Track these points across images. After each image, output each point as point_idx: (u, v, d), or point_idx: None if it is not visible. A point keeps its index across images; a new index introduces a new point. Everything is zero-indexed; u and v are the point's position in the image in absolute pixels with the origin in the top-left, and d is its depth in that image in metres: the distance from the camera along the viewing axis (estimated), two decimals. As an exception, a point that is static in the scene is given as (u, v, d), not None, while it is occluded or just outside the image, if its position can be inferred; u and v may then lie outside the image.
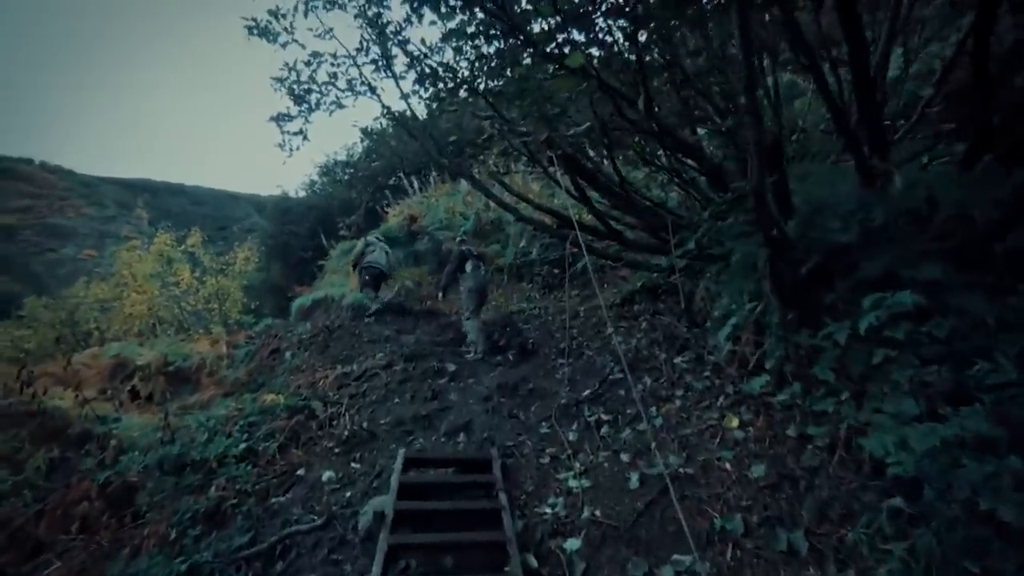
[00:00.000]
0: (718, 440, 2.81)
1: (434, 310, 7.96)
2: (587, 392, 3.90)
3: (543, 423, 3.74)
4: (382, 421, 4.47)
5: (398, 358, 5.83)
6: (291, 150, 5.89)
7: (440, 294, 6.83)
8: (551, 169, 4.25)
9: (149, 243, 12.09)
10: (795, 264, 2.68)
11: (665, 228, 4.21)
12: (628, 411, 3.49)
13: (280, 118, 5.47)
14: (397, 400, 4.88)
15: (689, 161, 4.93)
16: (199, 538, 3.15)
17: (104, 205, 60.76)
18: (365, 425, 4.41)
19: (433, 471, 3.30)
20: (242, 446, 4.21)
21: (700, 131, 5.03)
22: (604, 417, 3.52)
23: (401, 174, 11.77)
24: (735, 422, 2.84)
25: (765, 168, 2.41)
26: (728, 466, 2.58)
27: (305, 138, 5.85)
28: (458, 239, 6.86)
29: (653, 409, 3.39)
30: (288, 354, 6.67)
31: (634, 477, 2.76)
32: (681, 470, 2.68)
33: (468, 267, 6.17)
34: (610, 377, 4.02)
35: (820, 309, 2.67)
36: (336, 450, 4.08)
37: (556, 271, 7.48)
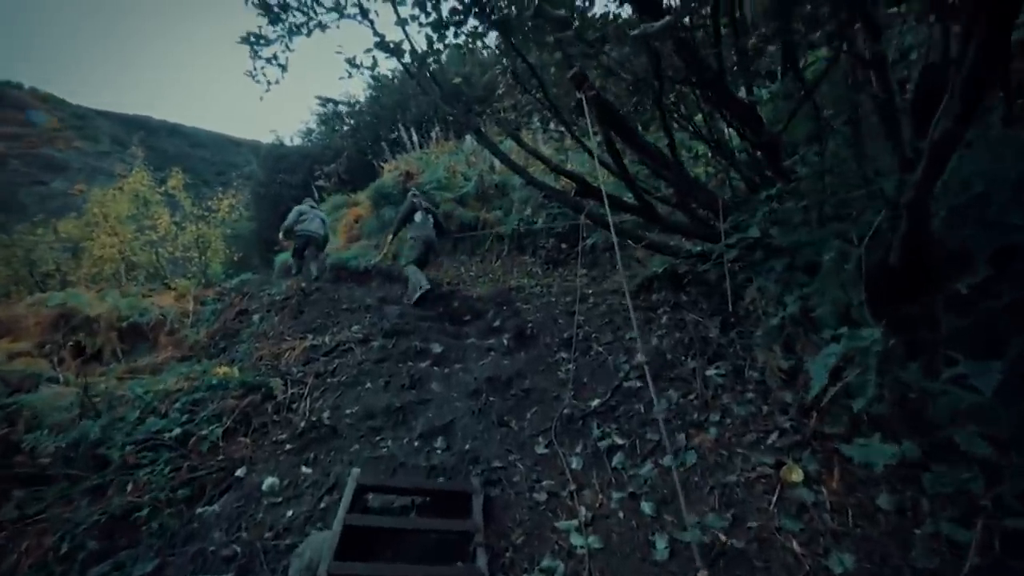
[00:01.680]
0: (775, 498, 2.08)
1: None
2: (596, 402, 3.17)
3: (540, 438, 3.02)
4: (348, 411, 3.76)
5: (377, 332, 5.10)
6: (268, 83, 4.99)
7: (388, 240, 6.75)
8: (579, 123, 3.42)
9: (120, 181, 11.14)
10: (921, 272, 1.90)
11: (708, 207, 3.41)
12: (649, 436, 2.76)
13: (252, 40, 4.54)
14: (369, 385, 4.16)
15: (727, 131, 4.11)
16: (89, 559, 2.46)
17: (98, 140, 59.00)
18: (327, 416, 3.70)
19: (395, 500, 2.57)
20: (177, 430, 3.50)
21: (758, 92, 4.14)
22: (618, 440, 2.80)
23: (401, 126, 10.79)
24: (797, 475, 2.11)
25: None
26: (796, 545, 1.85)
27: (283, 69, 4.94)
28: (411, 192, 6.60)
29: (681, 437, 2.67)
30: (257, 317, 5.93)
31: (660, 542, 2.05)
32: (725, 539, 1.97)
33: (417, 217, 6.09)
34: (624, 384, 3.29)
35: (937, 335, 1.90)
36: (287, 446, 3.37)
37: (564, 245, 6.67)
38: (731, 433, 2.60)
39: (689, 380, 3.15)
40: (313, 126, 15.42)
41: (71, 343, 5.78)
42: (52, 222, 10.87)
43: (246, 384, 4.24)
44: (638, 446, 2.74)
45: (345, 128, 15.75)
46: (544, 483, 2.59)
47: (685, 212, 3.50)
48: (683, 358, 3.41)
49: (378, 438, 3.36)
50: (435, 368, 4.48)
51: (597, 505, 2.38)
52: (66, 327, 5.91)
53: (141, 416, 3.78)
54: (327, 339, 5.05)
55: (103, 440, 3.45)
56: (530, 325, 4.97)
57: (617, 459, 2.67)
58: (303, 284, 6.30)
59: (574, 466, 2.70)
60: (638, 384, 3.25)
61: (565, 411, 3.16)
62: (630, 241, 5.18)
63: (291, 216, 7.43)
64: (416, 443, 3.26)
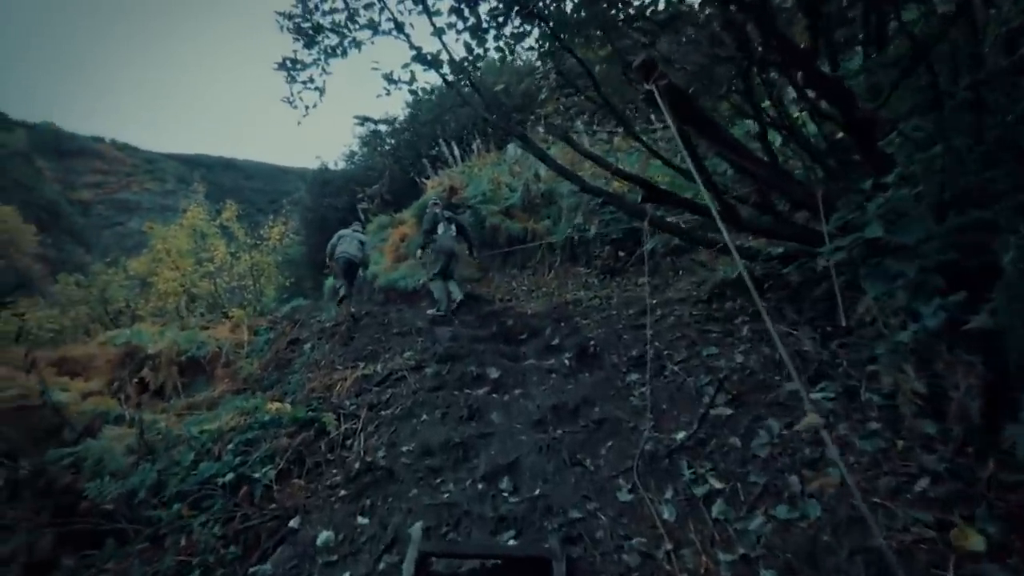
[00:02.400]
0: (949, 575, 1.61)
1: (476, 294, 6.94)
2: (681, 434, 2.74)
3: (621, 480, 2.63)
4: (404, 448, 3.49)
5: (429, 357, 4.86)
6: (306, 107, 4.90)
7: (419, 256, 6.80)
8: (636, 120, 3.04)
9: (181, 216, 11.61)
10: None
11: (802, 204, 2.94)
12: (752, 478, 2.32)
13: (288, 66, 4.45)
14: (425, 417, 3.89)
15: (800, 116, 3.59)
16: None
17: (165, 180, 63.39)
18: (382, 455, 3.45)
19: (462, 564, 2.24)
20: (230, 476, 3.33)
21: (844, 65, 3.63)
22: (715, 484, 2.37)
23: (442, 141, 10.69)
24: (976, 541, 1.63)
25: None
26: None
27: (320, 92, 4.84)
28: (432, 201, 6.57)
29: (794, 479, 2.22)
30: (308, 346, 5.83)
31: (798, 631, 1.62)
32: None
33: (439, 229, 6.10)
34: (711, 412, 2.85)
35: None
36: (342, 491, 3.13)
37: (620, 253, 6.24)
38: (859, 476, 2.12)
39: (790, 405, 2.68)
40: (356, 148, 15.72)
41: (136, 380, 5.87)
42: (122, 260, 11.45)
43: (299, 420, 4.08)
44: (740, 491, 2.30)
45: (386, 148, 15.94)
46: (634, 540, 2.20)
47: (766, 211, 3.03)
48: (776, 378, 2.94)
49: (438, 480, 3.06)
50: (494, 395, 4.18)
51: (702, 571, 1.97)
52: (131, 364, 6.03)
53: (196, 458, 3.67)
54: (379, 367, 4.86)
55: (160, 486, 3.33)
56: (592, 342, 4.58)
57: (718, 508, 2.25)
58: (352, 309, 6.18)
59: (666, 516, 2.30)
60: (727, 411, 2.80)
61: (647, 446, 2.76)
62: (696, 243, 4.72)
63: (332, 241, 7.50)
64: (480, 486, 2.94)
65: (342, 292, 7.09)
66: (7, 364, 5.97)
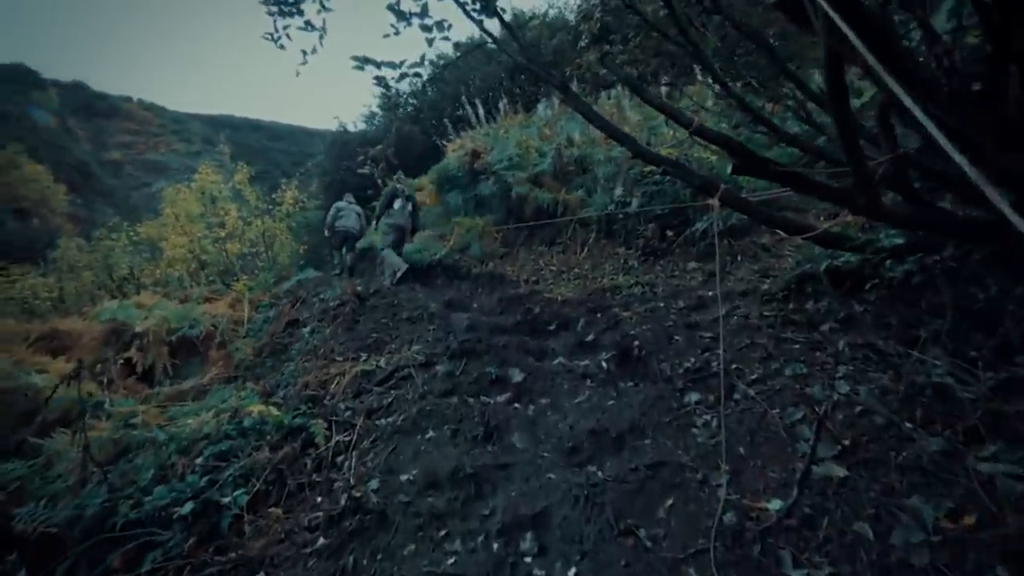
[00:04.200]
0: None
1: (498, 274, 6.16)
2: (776, 504, 1.96)
3: (692, 570, 1.87)
4: (403, 477, 2.81)
5: (442, 352, 4.14)
6: (304, 53, 4.04)
7: (373, 228, 6.93)
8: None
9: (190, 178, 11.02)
10: None
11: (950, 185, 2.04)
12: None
13: (272, -5, 3.61)
14: (432, 433, 3.20)
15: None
16: None
17: (191, 141, 63.53)
18: (376, 486, 2.77)
19: None
20: (188, 506, 2.70)
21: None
22: (845, 598, 1.60)
23: (465, 100, 9.75)
24: None
25: None
26: None
27: (321, 34, 3.98)
28: (396, 177, 6.80)
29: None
30: (307, 329, 5.18)
31: None
32: None
33: (396, 204, 6.39)
34: (814, 469, 2.04)
35: None
36: (321, 539, 2.47)
37: (668, 233, 5.35)
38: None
39: (942, 473, 1.86)
40: (376, 109, 14.85)
41: (121, 360, 5.34)
42: (124, 225, 10.98)
43: (283, 427, 3.44)
44: (888, 615, 1.52)
45: (408, 109, 15.03)
46: None
47: (902, 191, 2.13)
48: (907, 424, 2.10)
49: (442, 533, 2.36)
50: (515, 406, 3.44)
51: None
52: (117, 343, 5.49)
53: (157, 473, 3.06)
54: (382, 362, 4.17)
55: (105, 514, 2.73)
56: (636, 342, 3.78)
57: (853, 646, 1.48)
58: (359, 288, 5.49)
59: (769, 648, 1.55)
60: (839, 471, 1.99)
61: (725, 515, 1.99)
62: (779, 231, 3.83)
63: (330, 213, 7.38)
64: (495, 545, 2.23)
65: (340, 265, 7.04)
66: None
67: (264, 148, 59.08)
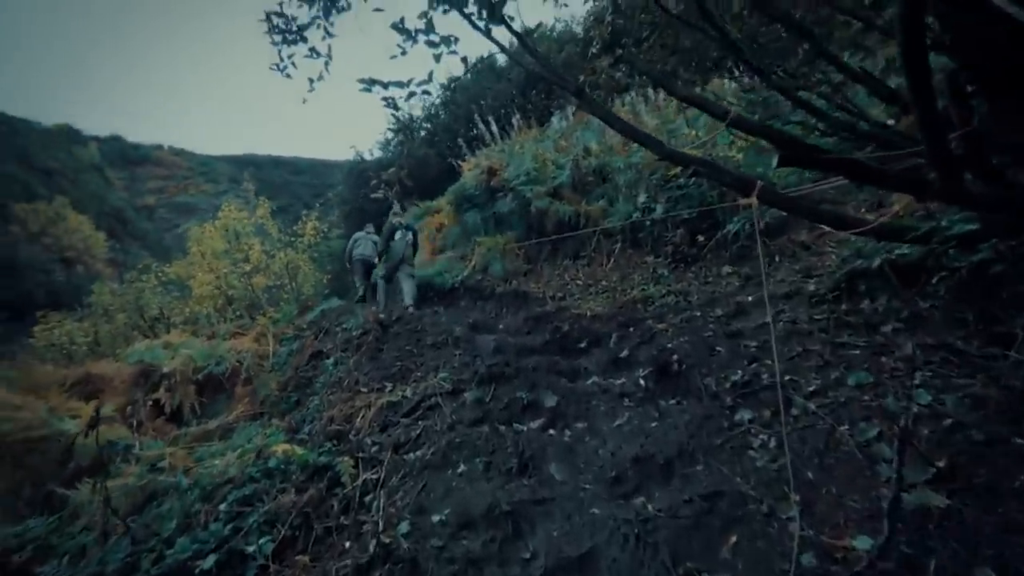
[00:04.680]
0: None
1: (523, 291, 5.98)
2: (864, 542, 1.68)
3: (770, 623, 1.61)
4: (435, 518, 2.60)
5: (469, 378, 3.95)
6: (311, 81, 3.99)
7: (377, 260, 7.12)
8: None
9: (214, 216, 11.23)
10: None
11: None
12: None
13: (274, 21, 3.57)
14: (463, 467, 2.99)
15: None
16: None
17: (218, 181, 65.81)
18: (406, 529, 2.57)
19: None
20: (211, 559, 2.55)
21: None
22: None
23: (478, 118, 9.72)
24: None
25: None
26: None
27: (327, 61, 3.92)
28: (393, 211, 6.98)
29: None
30: (331, 361, 5.06)
31: None
32: None
33: (396, 236, 6.50)
34: (903, 496, 1.76)
35: None
36: (349, 592, 2.28)
37: (699, 237, 5.09)
38: None
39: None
40: (390, 135, 15.02)
41: (151, 401, 5.32)
42: (154, 265, 11.22)
43: (308, 465, 3.28)
44: None
45: (421, 133, 15.15)
46: None
47: (978, 170, 1.86)
48: (1019, 439, 1.80)
49: (478, 581, 2.14)
50: (550, 432, 3.22)
51: None
52: (146, 384, 5.48)
53: (181, 523, 2.93)
54: (408, 391, 4.00)
55: (127, 570, 2.60)
56: (674, 357, 3.53)
57: None
58: (381, 315, 5.37)
59: None
60: (939, 499, 1.70)
61: (802, 557, 1.72)
62: (826, 226, 3.55)
63: (349, 243, 7.56)
64: (538, 595, 2.00)
65: (360, 292, 7.17)
66: (25, 387, 5.57)
67: (286, 182, 60.75)
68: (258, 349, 6.12)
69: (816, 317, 3.21)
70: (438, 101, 15.69)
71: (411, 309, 6.06)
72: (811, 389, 2.58)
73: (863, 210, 4.59)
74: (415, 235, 6.75)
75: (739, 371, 3.03)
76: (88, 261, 38.10)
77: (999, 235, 2.44)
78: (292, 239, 11.26)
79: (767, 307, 3.02)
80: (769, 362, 3.02)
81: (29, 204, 35.62)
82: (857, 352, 2.70)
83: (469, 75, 15.86)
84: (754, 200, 2.37)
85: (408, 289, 6.39)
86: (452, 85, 16.04)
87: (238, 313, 10.34)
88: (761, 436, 2.42)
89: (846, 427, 2.21)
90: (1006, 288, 2.44)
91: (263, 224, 11.37)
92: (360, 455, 3.37)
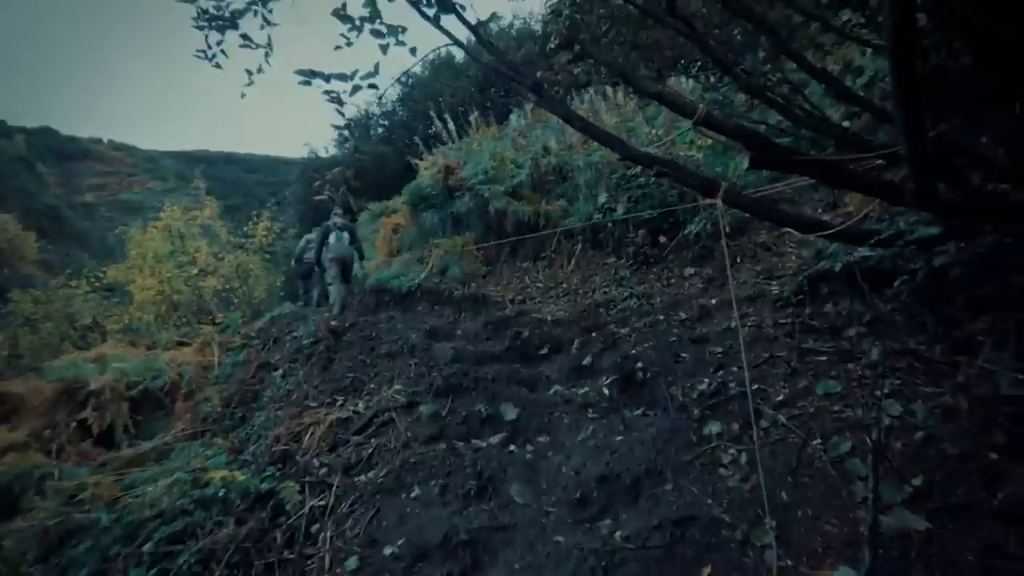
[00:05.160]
0: None
1: (482, 295, 5.77)
2: (846, 573, 1.58)
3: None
4: (388, 551, 2.39)
5: (425, 390, 3.74)
6: (249, 73, 3.64)
7: (313, 266, 7.13)
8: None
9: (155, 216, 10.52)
10: None
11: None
12: None
13: (204, 11, 3.23)
14: (418, 491, 2.79)
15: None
16: None
17: (165, 178, 62.62)
18: (355, 564, 2.34)
19: None
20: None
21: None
22: None
23: (434, 117, 9.43)
24: None
25: None
26: None
27: (267, 50, 3.59)
28: (334, 212, 6.86)
29: None
30: (279, 373, 4.74)
31: None
32: None
33: (332, 238, 6.46)
34: (881, 519, 1.66)
35: None
36: (287, 644, 2.04)
37: (662, 239, 5.02)
38: None
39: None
40: (347, 133, 14.47)
41: (75, 423, 4.83)
42: (84, 270, 10.41)
43: (249, 493, 3.00)
44: None
45: (379, 131, 14.72)
46: None
47: (947, 175, 1.78)
48: (993, 454, 1.74)
49: (433, 627, 1.95)
50: (511, 449, 3.05)
51: None
52: (70, 403, 4.98)
53: (97, 569, 2.60)
54: (361, 406, 3.75)
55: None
56: (639, 364, 3.42)
57: None
58: (333, 323, 5.06)
59: None
60: (919, 521, 1.62)
61: (781, 589, 1.60)
62: (792, 229, 3.49)
63: (299, 245, 7.61)
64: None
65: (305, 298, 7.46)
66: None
67: (240, 180, 58.28)
68: (202, 360, 5.69)
69: (781, 321, 3.15)
70: (395, 97, 15.28)
71: (337, 308, 6.26)
72: (780, 399, 2.50)
73: (820, 210, 4.63)
74: (352, 234, 6.71)
75: (705, 379, 2.94)
76: (15, 262, 35.45)
77: (958, 238, 2.41)
78: (243, 240, 10.68)
79: (735, 312, 2.93)
80: (736, 369, 2.93)
81: (-61, 198, 32.78)
82: (823, 358, 2.64)
83: (426, 71, 15.50)
84: (719, 202, 2.26)
85: (336, 291, 6.45)
86: (409, 81, 15.66)
87: (184, 320, 9.72)
88: (731, 451, 2.31)
89: (818, 441, 2.12)
90: (964, 292, 2.42)
91: (211, 225, 10.73)
92: (307, 479, 3.11)
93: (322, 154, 15.30)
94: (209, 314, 10.15)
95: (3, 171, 47.65)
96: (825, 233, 2.36)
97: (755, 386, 2.67)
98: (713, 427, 2.52)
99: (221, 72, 3.51)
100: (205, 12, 3.28)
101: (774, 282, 3.79)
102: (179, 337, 7.40)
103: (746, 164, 1.65)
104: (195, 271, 10.28)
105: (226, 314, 9.11)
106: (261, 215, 11.31)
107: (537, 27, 14.61)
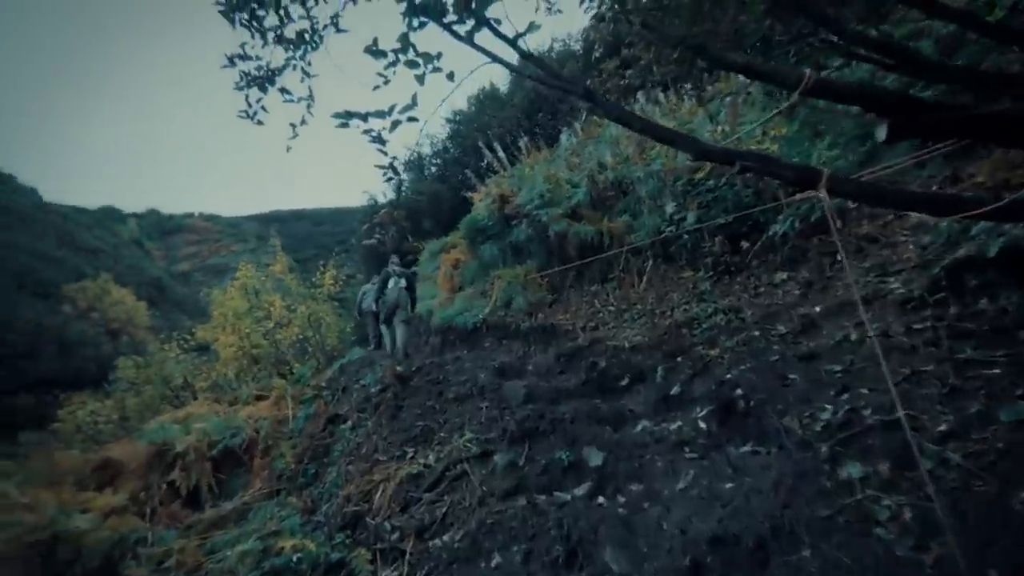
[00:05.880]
0: None
1: (551, 325, 5.42)
2: None
3: None
4: (467, 637, 2.05)
5: (499, 436, 3.42)
6: (293, 127, 3.62)
7: (373, 312, 7.10)
8: None
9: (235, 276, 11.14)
10: None
11: None
12: None
13: (238, 66, 3.24)
14: (498, 558, 2.45)
15: None
16: None
17: (246, 240, 68.10)
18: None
19: None
20: None
21: None
22: None
23: (484, 148, 9.39)
24: None
25: None
26: None
27: (309, 102, 3.56)
28: (392, 260, 6.83)
29: None
30: (348, 424, 4.61)
31: None
32: None
33: (391, 284, 6.43)
34: None
35: None
36: None
37: (744, 244, 4.50)
38: None
39: None
40: (403, 175, 14.86)
41: (165, 484, 4.94)
42: (173, 335, 11.13)
43: (318, 562, 2.79)
44: None
45: (432, 171, 15.00)
46: None
47: None
48: None
49: None
50: (600, 501, 2.65)
51: None
52: (161, 465, 5.12)
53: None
54: (431, 458, 3.48)
55: None
56: (738, 391, 2.93)
57: None
58: (399, 368, 4.90)
59: None
60: None
61: None
62: (918, 213, 2.94)
63: (359, 295, 7.60)
64: None
65: (374, 341, 7.14)
66: (44, 479, 5.29)
67: (310, 234, 62.15)
68: (277, 414, 5.72)
69: (916, 327, 2.58)
70: (445, 136, 15.58)
71: (400, 353, 6.16)
72: (942, 429, 1.96)
73: (934, 188, 3.95)
74: (410, 281, 6.75)
75: (828, 406, 2.42)
76: (132, 331, 39.41)
77: None
78: (312, 290, 11.05)
79: (862, 314, 2.42)
80: (867, 391, 2.40)
81: (77, 283, 37.38)
82: (996, 371, 2.06)
83: (472, 107, 15.75)
84: (823, 193, 1.83)
85: (400, 335, 6.31)
86: (456, 118, 15.96)
87: (264, 373, 10.10)
88: (885, 503, 1.80)
89: (1015, 489, 1.58)
90: None
91: (282, 279, 11.21)
92: (378, 545, 2.86)
93: (380, 199, 15.77)
94: (287, 364, 10.52)
95: (120, 252, 53.85)
96: (979, 212, 1.84)
97: (899, 413, 2.13)
98: (852, 469, 2.01)
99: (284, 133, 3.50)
100: (247, 75, 3.29)
101: (892, 279, 3.18)
102: (257, 391, 7.60)
103: (882, 136, 1.25)
104: (271, 324, 10.72)
105: (299, 364, 9.36)
106: (327, 265, 11.70)
107: (577, 47, 14.50)
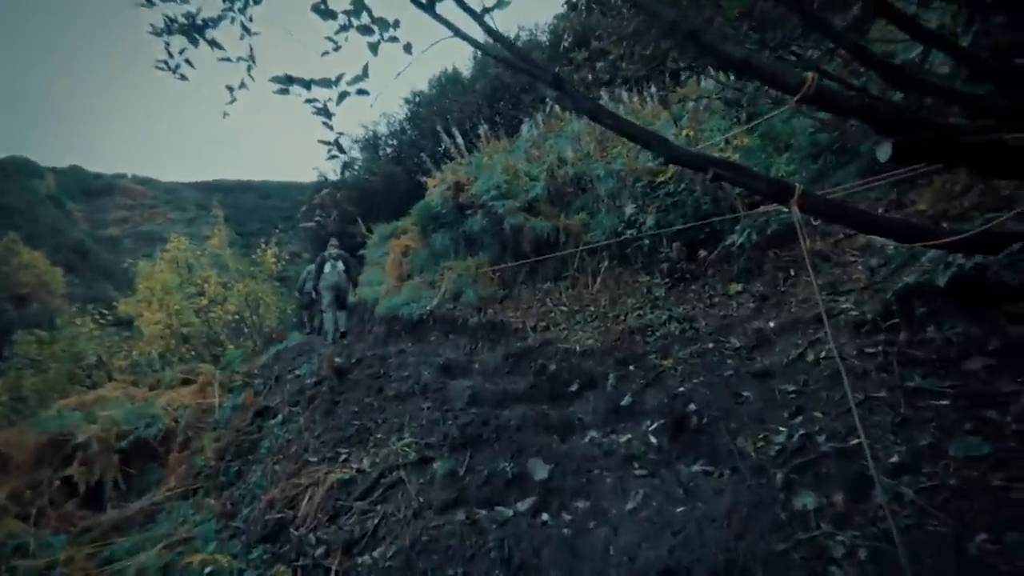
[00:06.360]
0: None
1: (500, 322, 5.25)
2: None
3: None
4: (391, 674, 1.84)
5: (440, 441, 3.22)
6: (230, 90, 3.20)
7: (311, 296, 7.23)
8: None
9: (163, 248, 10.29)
10: None
11: None
12: None
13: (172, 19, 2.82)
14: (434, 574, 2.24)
15: None
16: None
17: (185, 208, 63.91)
18: None
19: None
20: None
21: None
22: None
23: (443, 133, 9.02)
24: None
25: None
26: None
27: (250, 65, 3.16)
28: (331, 243, 7.12)
29: None
30: (278, 419, 4.26)
31: None
32: None
33: (326, 268, 6.67)
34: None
35: None
36: None
37: (702, 252, 4.46)
38: None
39: None
40: (356, 154, 14.22)
41: (60, 480, 4.41)
42: (88, 308, 10.17)
43: (232, 582, 2.50)
44: None
45: (389, 150, 14.43)
46: None
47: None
48: None
49: None
50: (544, 519, 2.50)
51: None
52: (56, 458, 4.57)
53: None
54: (366, 462, 3.23)
55: None
56: (691, 405, 2.86)
57: None
58: (338, 359, 4.58)
59: None
60: None
61: None
62: (887, 239, 2.91)
63: (301, 275, 7.50)
64: None
65: (308, 329, 7.32)
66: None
67: (256, 207, 59.02)
68: (201, 403, 5.27)
69: (868, 351, 2.56)
70: (403, 116, 15.01)
71: (338, 338, 6.31)
72: (894, 461, 1.91)
73: (881, 211, 4.03)
74: (347, 262, 6.95)
75: (782, 429, 2.37)
76: (45, 298, 36.15)
77: None
78: (253, 268, 10.37)
79: (828, 336, 2.37)
80: (819, 415, 2.36)
81: (-27, 242, 33.77)
82: (945, 403, 2.04)
83: (433, 89, 15.23)
84: (794, 209, 1.73)
85: (341, 320, 6.55)
86: (416, 99, 15.44)
87: (193, 353, 9.40)
88: (840, 538, 1.73)
89: (983, 536, 1.53)
90: None
91: (220, 255, 10.46)
92: (300, 561, 2.60)
93: (332, 177, 15.03)
94: (220, 346, 9.84)
95: (35, 210, 49.08)
96: (944, 241, 1.78)
97: (852, 440, 2.09)
98: (807, 499, 1.94)
99: (240, 102, 3.11)
100: (173, 21, 2.87)
101: (843, 299, 3.20)
102: (184, 374, 7.01)
103: (884, 156, 1.12)
104: (204, 301, 9.99)
105: (233, 346, 8.76)
106: (269, 242, 11.01)
107: (544, 38, 14.25)
